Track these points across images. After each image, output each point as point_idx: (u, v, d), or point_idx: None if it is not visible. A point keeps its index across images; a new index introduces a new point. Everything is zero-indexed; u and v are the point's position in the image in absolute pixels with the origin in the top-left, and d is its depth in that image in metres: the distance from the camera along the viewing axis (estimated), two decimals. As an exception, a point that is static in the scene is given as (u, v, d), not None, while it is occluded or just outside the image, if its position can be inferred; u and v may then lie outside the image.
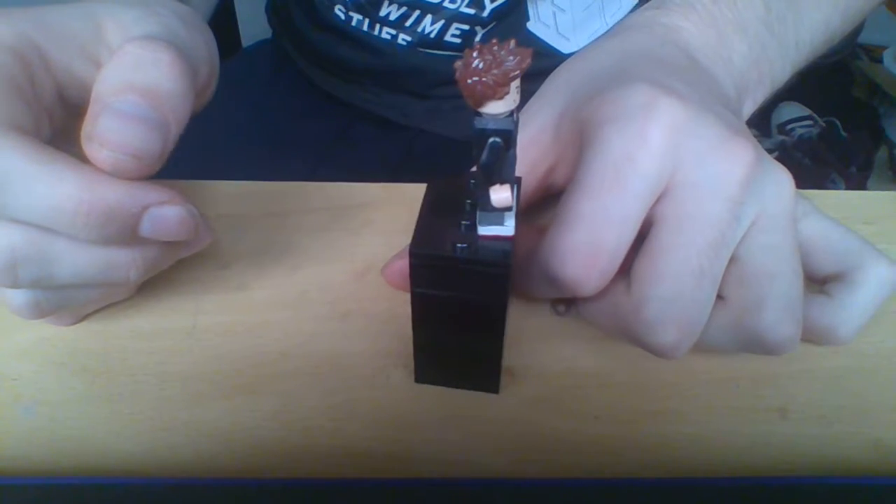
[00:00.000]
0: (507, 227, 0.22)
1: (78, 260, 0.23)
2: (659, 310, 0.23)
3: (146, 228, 0.23)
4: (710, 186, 0.23)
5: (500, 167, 0.21)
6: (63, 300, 0.26)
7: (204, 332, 0.29)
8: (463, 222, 0.23)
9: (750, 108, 0.32)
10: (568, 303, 0.30)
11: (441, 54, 0.53)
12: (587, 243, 0.23)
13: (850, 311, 0.26)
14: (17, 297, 0.25)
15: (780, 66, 0.33)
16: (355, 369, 0.28)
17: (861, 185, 1.28)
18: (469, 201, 0.24)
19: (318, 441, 0.25)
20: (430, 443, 0.26)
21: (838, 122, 1.37)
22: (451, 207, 0.23)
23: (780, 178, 0.24)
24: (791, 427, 0.26)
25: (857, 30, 0.60)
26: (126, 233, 0.23)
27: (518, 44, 0.19)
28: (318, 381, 0.27)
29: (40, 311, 0.25)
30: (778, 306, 0.23)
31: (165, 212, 0.23)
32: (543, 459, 0.25)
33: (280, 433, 0.26)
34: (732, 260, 0.24)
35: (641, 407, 0.27)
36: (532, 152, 0.27)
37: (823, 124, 1.38)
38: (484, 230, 0.22)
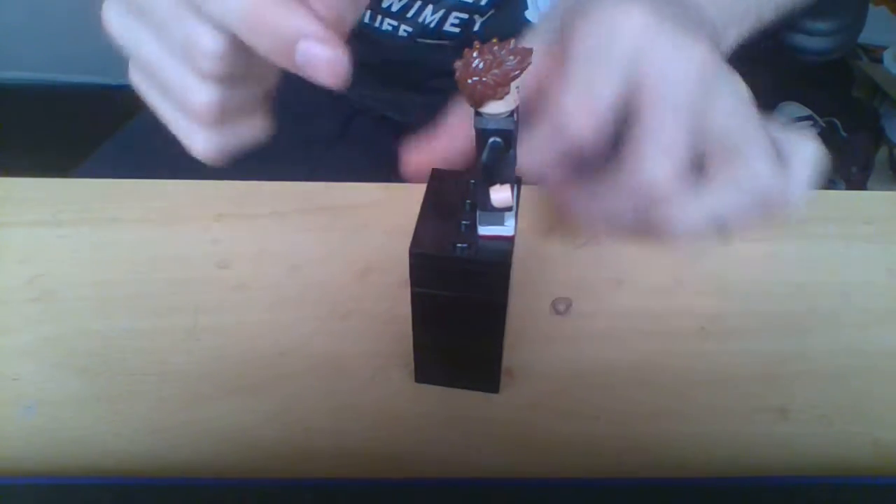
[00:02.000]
0: (508, 227, 0.22)
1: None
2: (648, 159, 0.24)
3: (299, 57, 0.24)
4: (671, 80, 0.25)
5: (500, 167, 0.21)
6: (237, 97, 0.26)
7: (204, 332, 0.29)
8: (463, 222, 0.23)
9: (734, 36, 0.33)
10: (568, 301, 0.30)
11: (438, 44, 0.53)
12: (584, 95, 0.24)
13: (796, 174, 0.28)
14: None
15: (766, 1, 0.35)
16: (355, 369, 0.28)
17: (861, 185, 1.28)
18: (469, 201, 0.24)
19: (318, 441, 0.25)
20: (430, 443, 0.26)
21: (838, 122, 1.37)
22: (451, 207, 0.23)
23: (733, 79, 0.26)
24: (791, 427, 0.26)
25: (858, 30, 0.60)
26: (281, 53, 0.24)
27: (517, 43, 0.19)
28: (318, 381, 0.27)
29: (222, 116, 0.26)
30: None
31: (318, 49, 0.24)
32: (543, 459, 0.25)
33: (280, 433, 0.26)
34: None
35: (641, 407, 0.27)
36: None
37: (823, 124, 1.38)
38: (484, 230, 0.22)
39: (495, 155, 0.20)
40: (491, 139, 0.20)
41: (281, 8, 0.24)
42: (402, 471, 0.25)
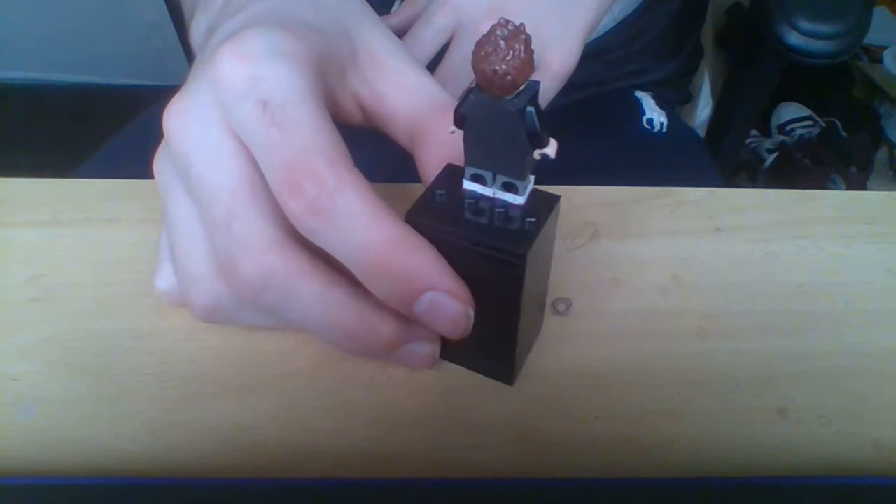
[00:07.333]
0: (529, 181, 0.23)
1: (312, 308, 0.23)
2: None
3: (421, 307, 0.22)
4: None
5: (542, 127, 0.21)
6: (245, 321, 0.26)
7: (204, 332, 0.29)
8: (497, 210, 0.23)
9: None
10: (568, 301, 0.30)
11: None
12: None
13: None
14: (202, 298, 0.24)
15: None
16: (355, 369, 0.28)
17: (861, 185, 1.28)
18: (469, 201, 0.23)
19: (317, 441, 0.25)
20: (430, 443, 0.26)
21: (838, 122, 1.37)
22: (462, 220, 0.23)
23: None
24: (791, 427, 0.26)
25: (863, 33, 0.60)
26: (402, 301, 0.22)
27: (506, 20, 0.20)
28: (318, 381, 0.27)
29: (215, 319, 0.25)
30: None
31: (447, 302, 0.22)
32: (544, 459, 0.25)
33: (280, 433, 0.26)
34: None
35: (641, 407, 0.27)
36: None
37: (823, 124, 1.38)
38: (518, 198, 0.23)
39: (536, 119, 0.21)
40: (527, 110, 0.21)
41: (413, 254, 0.21)
42: (402, 471, 0.25)
